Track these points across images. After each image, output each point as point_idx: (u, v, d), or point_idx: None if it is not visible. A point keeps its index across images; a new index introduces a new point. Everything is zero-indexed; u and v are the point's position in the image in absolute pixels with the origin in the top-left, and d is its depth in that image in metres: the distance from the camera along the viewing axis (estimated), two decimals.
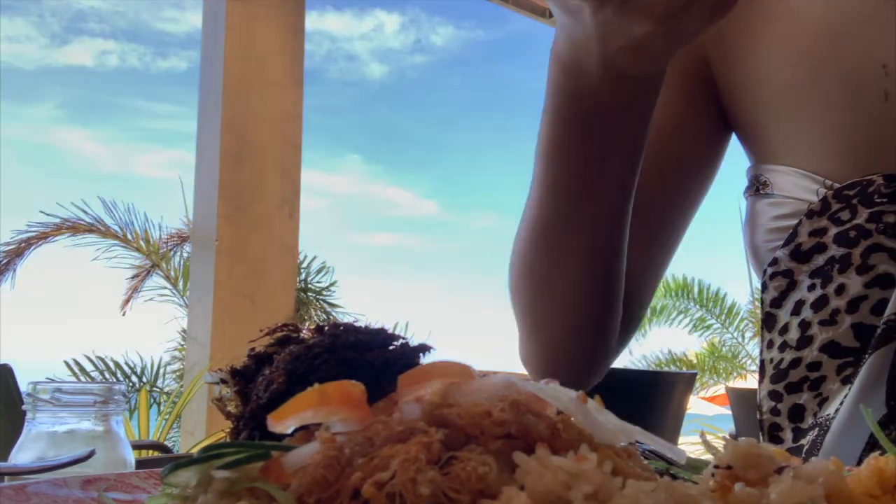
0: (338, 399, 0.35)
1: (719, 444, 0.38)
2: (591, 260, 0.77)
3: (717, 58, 0.90)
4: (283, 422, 0.35)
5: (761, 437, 0.80)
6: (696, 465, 0.43)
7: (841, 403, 0.75)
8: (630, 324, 0.89)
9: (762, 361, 0.83)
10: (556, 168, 0.74)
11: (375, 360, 0.42)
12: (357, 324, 0.45)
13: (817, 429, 0.76)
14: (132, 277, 7.27)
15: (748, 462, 0.36)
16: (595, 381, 0.89)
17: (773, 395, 0.80)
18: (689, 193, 0.93)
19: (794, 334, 0.79)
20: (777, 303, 0.82)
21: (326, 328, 0.43)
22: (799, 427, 0.79)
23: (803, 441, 0.78)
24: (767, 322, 0.83)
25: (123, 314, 7.33)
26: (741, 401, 4.63)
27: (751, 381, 9.67)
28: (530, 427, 0.33)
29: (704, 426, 7.95)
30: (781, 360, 0.80)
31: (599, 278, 0.78)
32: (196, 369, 4.85)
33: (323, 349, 0.42)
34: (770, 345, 0.82)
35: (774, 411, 0.80)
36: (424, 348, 0.45)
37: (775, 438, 0.80)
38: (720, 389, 9.36)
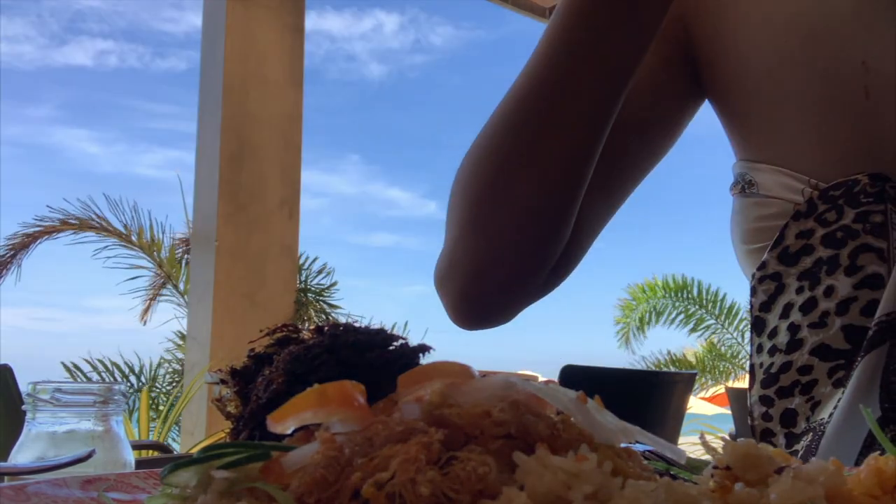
0: (337, 399, 0.35)
1: (719, 444, 0.38)
2: (561, 161, 0.74)
3: (695, 27, 0.89)
4: (282, 422, 0.35)
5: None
6: (695, 465, 0.43)
7: (835, 408, 0.74)
8: (564, 266, 0.85)
9: (752, 366, 0.82)
10: (557, 42, 0.73)
11: (375, 360, 0.42)
12: (357, 324, 0.45)
13: (811, 434, 0.75)
14: (148, 288, 7.28)
15: (747, 463, 0.36)
16: (508, 317, 0.85)
17: (765, 400, 0.79)
18: (649, 149, 0.91)
19: (783, 338, 0.79)
20: (766, 306, 0.81)
21: (326, 328, 0.43)
22: (792, 432, 0.78)
23: (797, 446, 0.77)
24: (757, 326, 0.82)
25: (144, 324, 7.37)
26: (741, 401, 4.62)
27: None
28: (530, 427, 0.33)
29: (704, 426, 7.95)
30: (771, 364, 0.79)
31: (562, 186, 0.75)
32: (196, 369, 4.85)
33: (322, 349, 0.42)
34: (759, 349, 0.81)
35: (766, 416, 0.79)
36: (424, 348, 0.45)
37: (768, 444, 0.79)
38: (720, 389, 9.36)
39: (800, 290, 0.78)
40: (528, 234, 0.76)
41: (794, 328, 0.78)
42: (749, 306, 0.83)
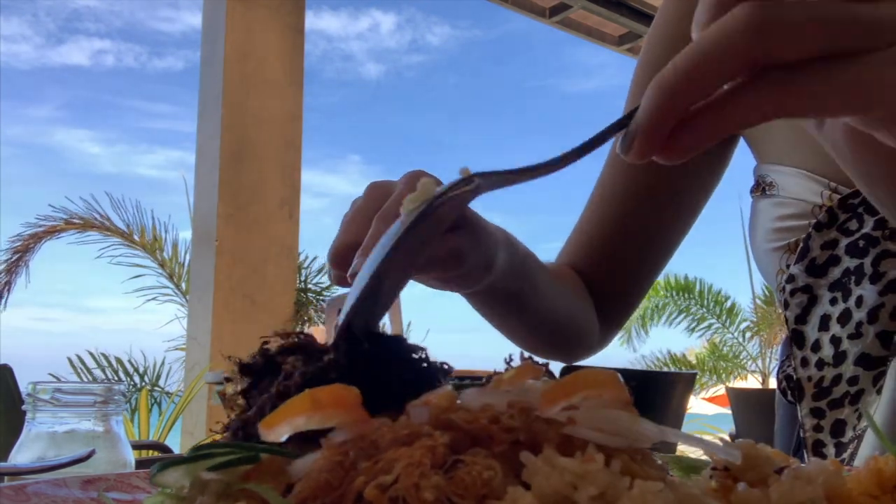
0: (331, 403, 0.34)
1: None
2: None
3: None
4: (274, 429, 0.35)
5: (805, 455, 0.80)
6: (695, 466, 0.43)
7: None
8: (611, 327, 0.98)
9: (798, 380, 0.82)
10: None
11: (396, 384, 0.40)
12: (378, 331, 0.43)
13: (857, 441, 0.77)
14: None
15: (746, 463, 0.36)
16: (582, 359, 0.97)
17: (816, 413, 0.80)
18: (689, 206, 0.98)
19: (828, 351, 0.80)
20: (802, 319, 0.82)
21: (341, 344, 0.41)
22: (840, 441, 0.79)
23: (845, 454, 0.78)
24: (796, 339, 0.83)
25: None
26: (741, 401, 4.63)
27: (751, 381, 9.66)
28: (540, 433, 0.33)
29: (705, 426, 7.94)
30: (822, 377, 0.80)
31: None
32: (196, 369, 4.85)
33: (339, 373, 0.40)
34: (804, 363, 0.82)
35: (817, 428, 0.80)
36: (445, 372, 0.42)
37: (819, 454, 0.80)
38: (720, 389, 9.35)
39: (833, 302, 0.79)
40: (549, 340, 0.89)
41: (835, 340, 0.79)
42: (784, 320, 0.84)
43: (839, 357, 0.79)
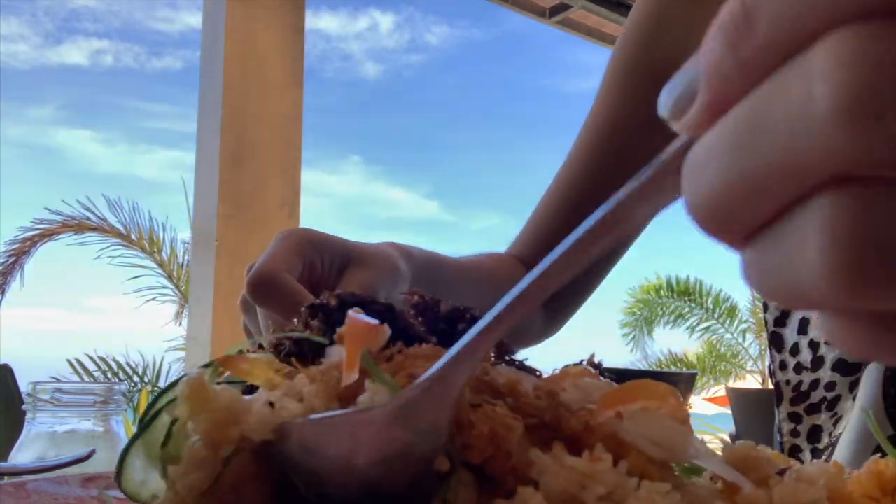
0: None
1: (718, 446, 0.38)
2: None
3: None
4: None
5: None
6: (697, 468, 0.43)
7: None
8: (557, 319, 0.96)
9: (777, 383, 0.82)
10: None
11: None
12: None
13: (832, 448, 0.76)
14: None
15: (746, 465, 0.36)
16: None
17: (794, 417, 0.80)
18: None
19: (806, 355, 0.80)
20: (781, 321, 0.82)
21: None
22: (816, 447, 0.79)
23: (820, 461, 0.77)
24: (775, 342, 0.83)
25: (179, 324, 7.33)
26: (741, 401, 4.63)
27: (750, 381, 9.67)
28: (563, 420, 0.34)
29: (705, 426, 7.95)
30: (800, 382, 0.80)
31: None
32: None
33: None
34: (783, 366, 0.82)
35: (794, 433, 0.80)
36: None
37: (796, 460, 0.79)
38: (720, 389, 9.36)
39: None
40: None
41: (814, 345, 0.79)
42: (764, 322, 0.84)
43: (817, 362, 0.78)
